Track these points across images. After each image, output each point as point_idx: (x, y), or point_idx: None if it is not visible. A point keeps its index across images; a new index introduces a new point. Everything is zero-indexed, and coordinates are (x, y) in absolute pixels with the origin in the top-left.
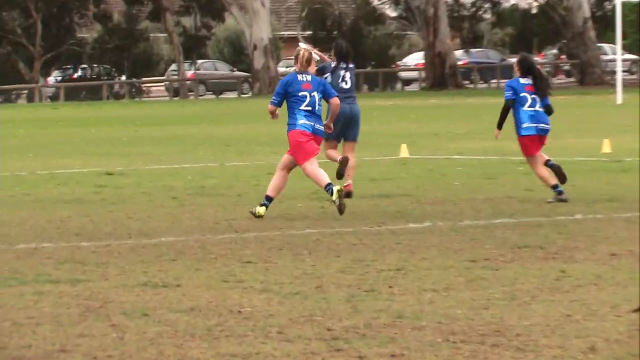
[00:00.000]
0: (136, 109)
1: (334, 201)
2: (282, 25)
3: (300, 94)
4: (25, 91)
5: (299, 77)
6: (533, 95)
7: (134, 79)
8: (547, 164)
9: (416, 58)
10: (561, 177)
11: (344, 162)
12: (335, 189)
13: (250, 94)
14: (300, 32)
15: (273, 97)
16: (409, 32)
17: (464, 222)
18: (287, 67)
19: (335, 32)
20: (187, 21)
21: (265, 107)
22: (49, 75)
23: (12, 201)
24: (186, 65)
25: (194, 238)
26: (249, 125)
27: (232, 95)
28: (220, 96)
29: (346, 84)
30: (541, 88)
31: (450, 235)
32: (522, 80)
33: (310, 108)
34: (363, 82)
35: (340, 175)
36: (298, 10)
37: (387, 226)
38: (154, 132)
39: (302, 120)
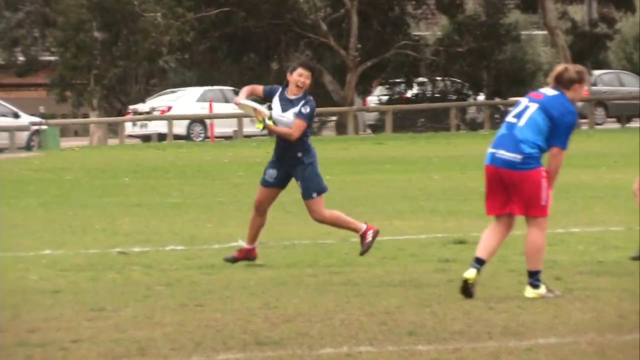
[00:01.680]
0: None
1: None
2: None
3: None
4: (334, 117)
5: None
6: None
7: (498, 99)
8: None
9: None
10: None
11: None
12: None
13: None
14: None
15: None
16: None
17: None
18: None
19: None
20: (578, 12)
21: None
22: (369, 93)
23: (314, 283)
24: None
25: (587, 339)
26: None
27: None
28: (628, 124)
29: None
30: None
31: None
32: None
33: (515, 120)
34: None
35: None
36: None
37: None
38: None
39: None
